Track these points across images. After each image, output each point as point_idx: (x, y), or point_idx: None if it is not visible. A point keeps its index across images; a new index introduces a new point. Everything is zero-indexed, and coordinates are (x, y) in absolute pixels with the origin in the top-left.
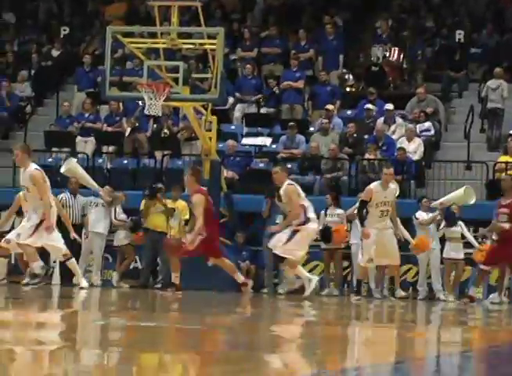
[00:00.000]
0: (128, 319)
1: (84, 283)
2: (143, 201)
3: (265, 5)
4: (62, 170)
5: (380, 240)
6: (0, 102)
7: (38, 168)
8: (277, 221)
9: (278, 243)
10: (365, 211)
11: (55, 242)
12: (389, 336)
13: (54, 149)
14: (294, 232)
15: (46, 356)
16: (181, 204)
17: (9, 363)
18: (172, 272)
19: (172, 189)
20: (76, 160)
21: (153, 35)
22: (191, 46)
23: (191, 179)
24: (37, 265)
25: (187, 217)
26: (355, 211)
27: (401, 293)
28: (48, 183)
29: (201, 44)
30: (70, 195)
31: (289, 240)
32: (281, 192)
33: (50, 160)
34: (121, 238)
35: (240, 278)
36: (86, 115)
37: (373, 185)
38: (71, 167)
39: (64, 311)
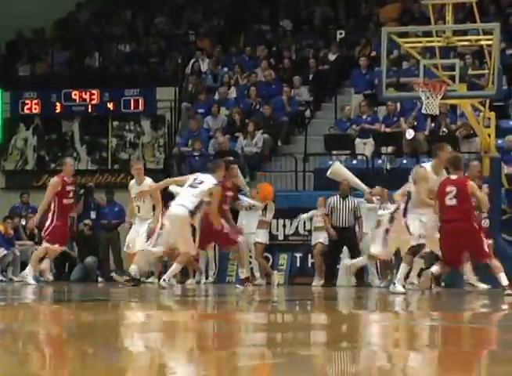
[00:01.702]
0: (445, 320)
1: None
2: None
3: None
4: (328, 173)
5: None
6: (280, 107)
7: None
8: None
9: None
10: None
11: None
12: None
13: (334, 152)
14: None
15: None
16: None
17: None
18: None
19: None
20: (339, 162)
21: (427, 34)
22: (466, 43)
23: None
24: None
25: None
26: None
27: None
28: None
29: (477, 40)
30: (339, 198)
31: None
32: None
33: (330, 162)
34: None
35: None
36: (364, 117)
37: None
38: (336, 169)
39: (379, 312)
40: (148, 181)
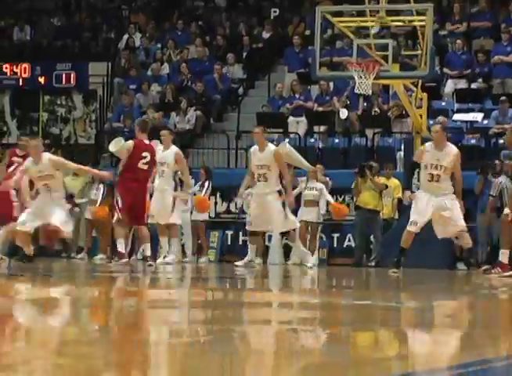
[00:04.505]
0: (343, 298)
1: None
2: (356, 179)
3: None
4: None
5: None
6: (213, 84)
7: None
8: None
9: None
10: None
11: None
12: None
13: (266, 130)
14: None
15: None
16: (394, 182)
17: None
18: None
19: (385, 167)
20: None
21: (361, 14)
22: (400, 23)
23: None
24: None
25: (400, 195)
26: None
27: None
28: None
29: (410, 21)
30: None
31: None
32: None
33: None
34: None
35: None
36: (297, 96)
37: None
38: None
39: (279, 290)
40: (46, 156)
